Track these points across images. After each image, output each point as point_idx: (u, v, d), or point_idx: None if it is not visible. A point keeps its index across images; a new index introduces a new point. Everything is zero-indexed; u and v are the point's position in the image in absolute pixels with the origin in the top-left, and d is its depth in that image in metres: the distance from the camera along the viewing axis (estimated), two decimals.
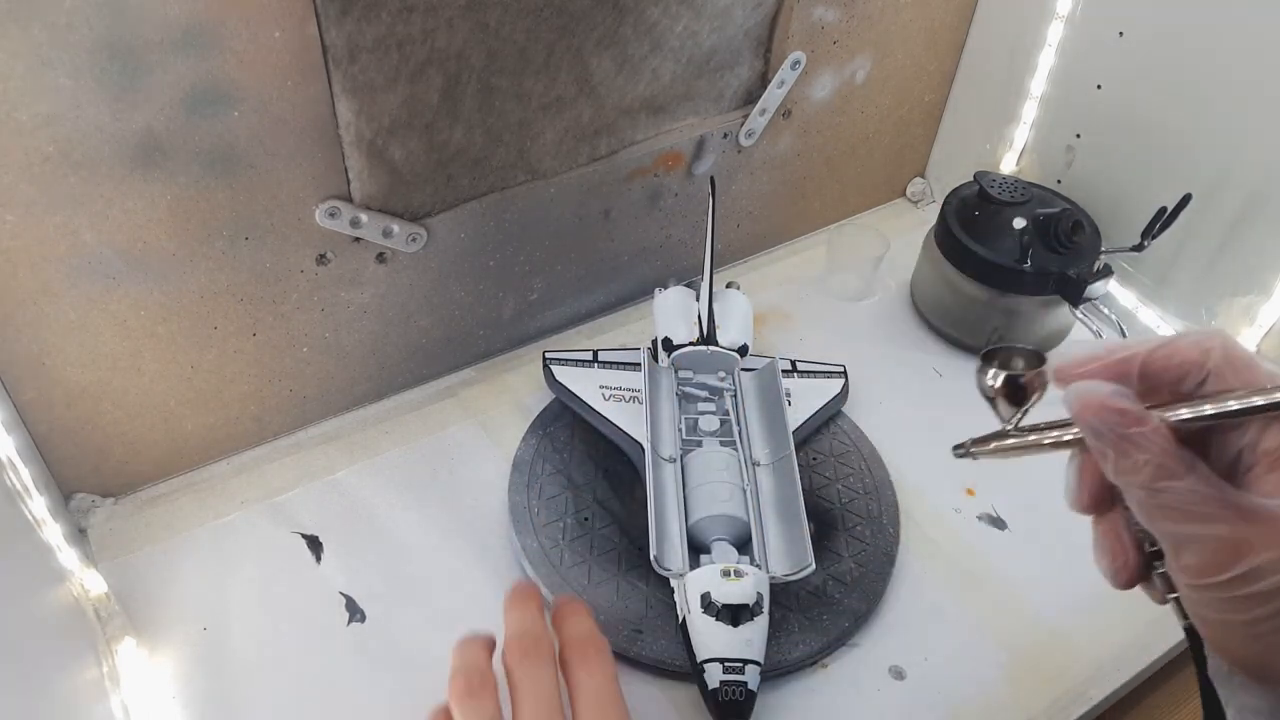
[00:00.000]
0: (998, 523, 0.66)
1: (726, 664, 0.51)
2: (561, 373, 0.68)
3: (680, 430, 0.63)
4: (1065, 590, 0.62)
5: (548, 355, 0.69)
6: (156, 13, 0.47)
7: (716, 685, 0.51)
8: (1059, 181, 0.82)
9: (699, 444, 0.62)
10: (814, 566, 0.55)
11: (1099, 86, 0.77)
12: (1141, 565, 0.38)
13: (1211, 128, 0.70)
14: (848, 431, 0.70)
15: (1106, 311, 0.73)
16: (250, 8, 0.49)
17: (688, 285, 0.72)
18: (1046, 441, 0.39)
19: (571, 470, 0.65)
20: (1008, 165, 0.86)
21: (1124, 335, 0.72)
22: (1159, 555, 0.37)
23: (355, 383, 0.69)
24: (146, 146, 0.51)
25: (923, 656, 0.58)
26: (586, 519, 0.62)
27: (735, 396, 0.65)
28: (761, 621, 0.53)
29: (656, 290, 0.72)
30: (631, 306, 0.81)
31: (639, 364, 0.68)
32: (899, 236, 0.84)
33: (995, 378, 0.40)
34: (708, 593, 0.52)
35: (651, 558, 0.54)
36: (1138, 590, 0.63)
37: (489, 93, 0.60)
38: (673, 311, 0.69)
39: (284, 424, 0.68)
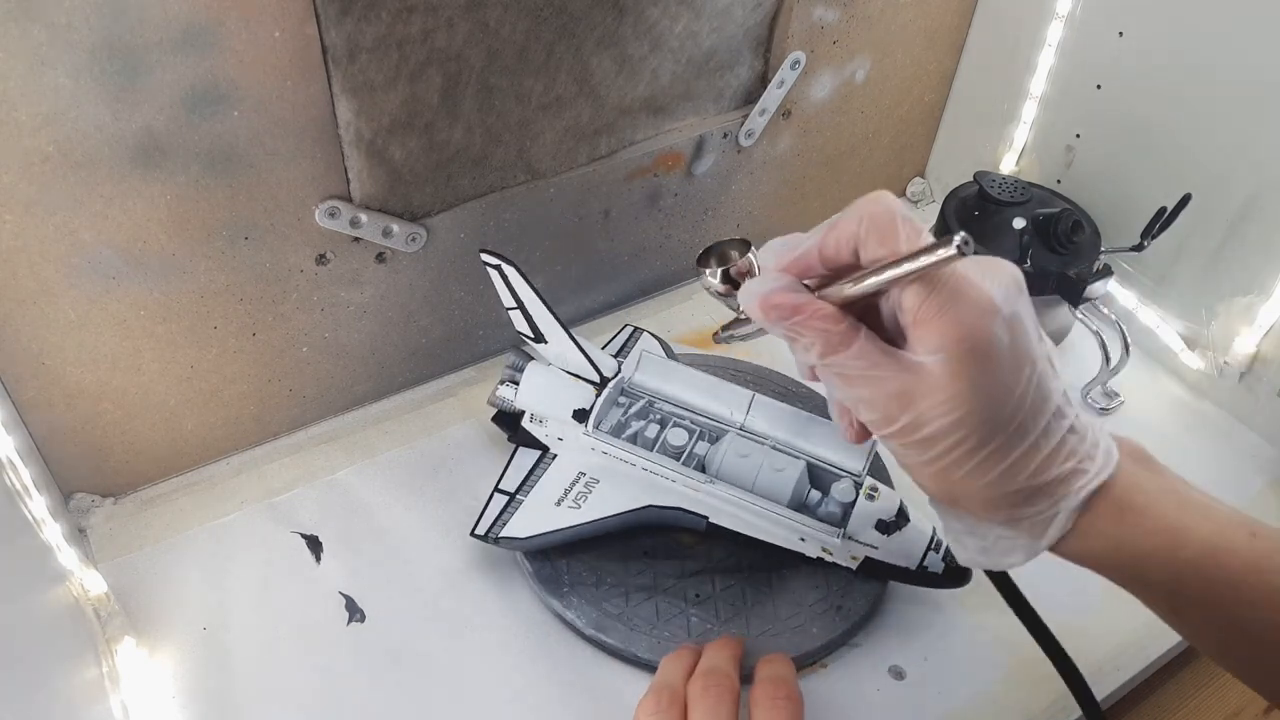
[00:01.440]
0: None
1: (933, 547, 0.56)
2: (513, 528, 0.58)
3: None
4: (1065, 590, 0.62)
5: (478, 534, 0.58)
6: (156, 13, 0.47)
7: (941, 567, 0.56)
8: (1059, 181, 0.82)
9: (700, 457, 0.60)
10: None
11: (1099, 86, 0.77)
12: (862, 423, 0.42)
13: (1211, 128, 0.70)
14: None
15: (1106, 311, 0.73)
16: (250, 8, 0.49)
17: (519, 355, 0.64)
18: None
19: (592, 552, 0.60)
20: (1008, 165, 0.86)
21: (1125, 337, 0.72)
22: None
23: (355, 383, 0.69)
24: (146, 146, 0.51)
25: (923, 656, 0.58)
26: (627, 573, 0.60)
27: (658, 400, 0.63)
28: (913, 515, 0.57)
29: (502, 386, 0.63)
30: (631, 306, 0.81)
31: (546, 458, 0.62)
32: None
33: (714, 274, 0.44)
34: (879, 520, 0.56)
35: (818, 557, 0.57)
36: None
37: (489, 93, 0.60)
38: (551, 388, 0.62)
39: (284, 424, 0.68)
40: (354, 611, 0.59)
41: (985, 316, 0.36)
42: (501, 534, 0.58)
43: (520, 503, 0.60)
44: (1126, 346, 0.72)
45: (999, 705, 0.57)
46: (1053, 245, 0.71)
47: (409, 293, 0.67)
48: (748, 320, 0.45)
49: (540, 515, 0.59)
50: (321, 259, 0.61)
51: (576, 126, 0.66)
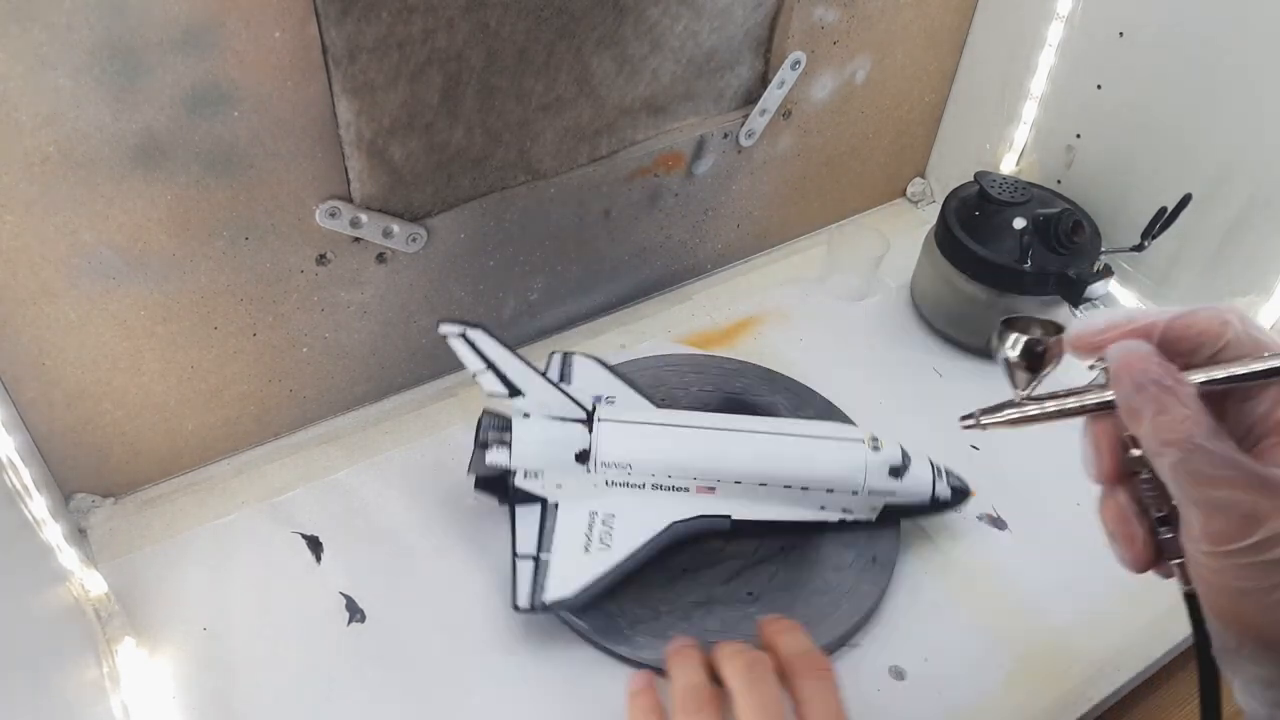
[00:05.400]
0: (998, 523, 0.66)
1: (938, 476, 0.61)
2: (555, 590, 0.57)
3: None
4: (1065, 590, 0.62)
5: (522, 607, 0.56)
6: (156, 13, 0.47)
7: (949, 492, 0.61)
8: (1059, 181, 0.82)
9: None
10: None
11: (1099, 86, 0.77)
12: (1152, 543, 0.38)
13: (1211, 128, 0.70)
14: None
15: None
16: (250, 8, 0.49)
17: (493, 416, 0.61)
18: (1065, 408, 0.39)
19: None
20: (1008, 165, 0.86)
21: None
22: (1164, 522, 0.38)
23: (355, 383, 0.69)
24: (146, 146, 0.51)
25: (923, 656, 0.58)
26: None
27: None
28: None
29: (490, 450, 0.59)
30: (631, 306, 0.81)
31: (550, 509, 0.60)
32: (899, 236, 0.84)
33: (1015, 344, 0.40)
34: (890, 467, 0.59)
35: (839, 520, 0.61)
36: (1137, 591, 0.62)
37: (489, 93, 0.60)
38: (546, 438, 0.59)
39: (284, 424, 0.68)
40: (354, 611, 0.59)
41: None
42: (546, 599, 0.56)
43: (547, 562, 0.57)
44: None
45: (999, 705, 0.57)
46: (1053, 245, 0.71)
47: (409, 293, 0.67)
48: (1027, 403, 0.41)
49: (575, 567, 0.57)
50: (322, 259, 0.61)
51: (577, 126, 0.66)
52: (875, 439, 0.60)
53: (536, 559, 0.57)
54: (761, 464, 0.59)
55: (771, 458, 0.59)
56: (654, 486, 0.59)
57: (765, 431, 0.60)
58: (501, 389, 0.59)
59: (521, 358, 0.59)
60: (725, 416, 0.61)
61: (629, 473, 0.59)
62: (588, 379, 0.66)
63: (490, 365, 0.59)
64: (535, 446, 0.59)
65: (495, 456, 0.59)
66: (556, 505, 0.59)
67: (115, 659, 0.55)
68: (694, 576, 0.60)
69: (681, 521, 0.58)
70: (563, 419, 0.59)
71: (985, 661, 0.58)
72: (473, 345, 0.59)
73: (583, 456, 0.59)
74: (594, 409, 0.60)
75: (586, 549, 0.57)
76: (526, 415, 0.59)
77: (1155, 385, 0.35)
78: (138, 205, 0.52)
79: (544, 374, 0.60)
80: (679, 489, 0.59)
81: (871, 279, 0.83)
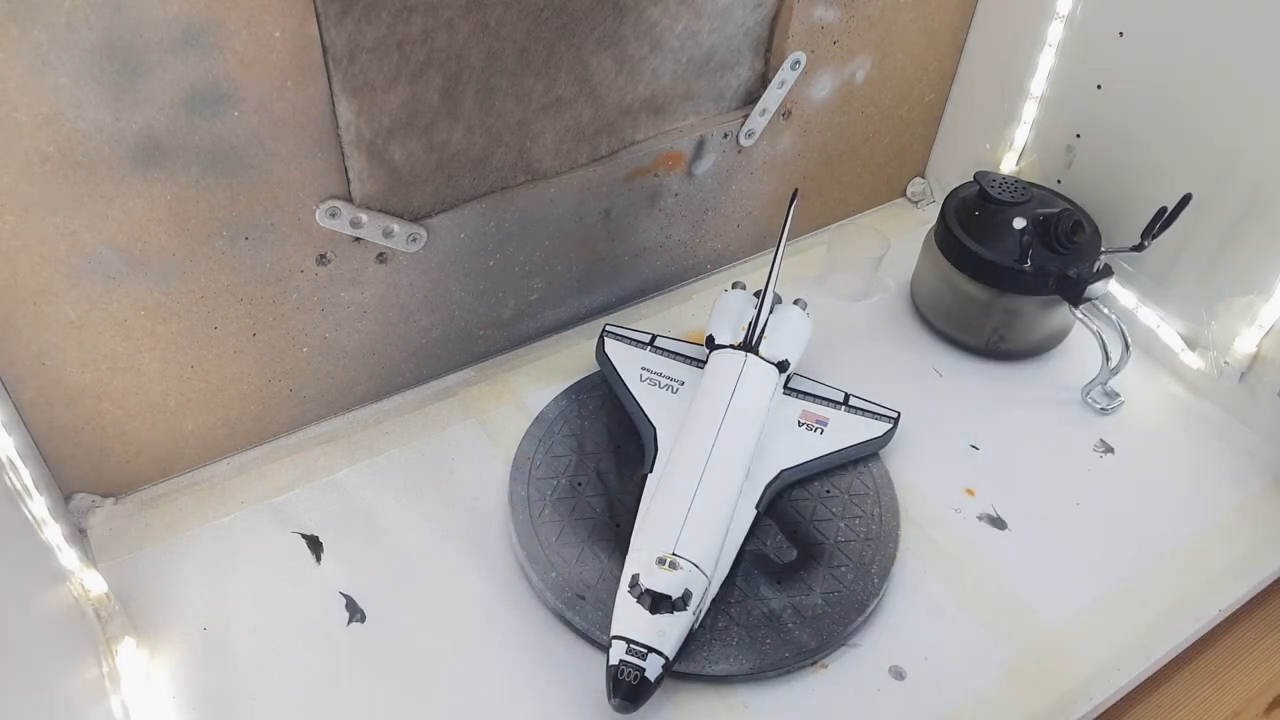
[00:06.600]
0: (998, 523, 0.66)
1: (632, 645, 0.52)
2: (612, 346, 0.70)
3: None
4: (1065, 590, 0.62)
5: (608, 327, 0.71)
6: (156, 13, 0.47)
7: (616, 663, 0.52)
8: (1059, 181, 0.82)
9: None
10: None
11: (1099, 86, 0.76)
12: None
13: (1211, 128, 0.70)
14: (875, 477, 0.67)
15: (1106, 311, 0.73)
16: (250, 8, 0.49)
17: (755, 293, 0.71)
18: None
19: (586, 437, 0.67)
20: (1008, 165, 0.86)
21: (1125, 337, 0.72)
22: None
23: (355, 383, 0.69)
24: (146, 146, 0.51)
25: (923, 656, 0.58)
26: (579, 484, 0.64)
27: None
28: (681, 618, 0.53)
29: (722, 289, 0.73)
30: (631, 306, 0.81)
31: (690, 356, 0.70)
32: (899, 236, 0.84)
33: None
34: (638, 574, 0.54)
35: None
36: (1137, 591, 0.63)
37: (489, 93, 0.60)
38: (729, 313, 0.70)
39: (284, 424, 0.68)
40: (354, 611, 0.59)
41: None
42: (609, 338, 0.70)
43: (643, 349, 0.70)
44: (1127, 346, 0.72)
45: (999, 705, 0.57)
46: (1053, 245, 0.71)
47: (409, 293, 0.67)
48: None
49: (629, 360, 0.69)
50: (322, 259, 0.61)
51: (577, 126, 0.66)
52: (674, 562, 0.54)
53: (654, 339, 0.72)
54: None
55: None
56: None
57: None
58: None
59: (776, 269, 0.70)
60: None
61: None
62: None
63: (781, 243, 0.70)
64: (722, 305, 0.71)
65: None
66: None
67: (115, 659, 0.55)
68: None
69: (649, 420, 0.66)
70: (746, 321, 0.70)
71: (985, 661, 0.58)
72: (788, 215, 0.69)
73: (709, 342, 0.70)
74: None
75: (649, 365, 0.70)
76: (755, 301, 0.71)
77: None
78: (138, 205, 0.52)
79: (767, 301, 0.69)
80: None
81: (871, 279, 0.83)
